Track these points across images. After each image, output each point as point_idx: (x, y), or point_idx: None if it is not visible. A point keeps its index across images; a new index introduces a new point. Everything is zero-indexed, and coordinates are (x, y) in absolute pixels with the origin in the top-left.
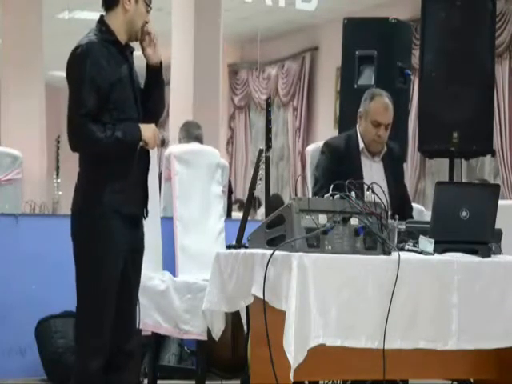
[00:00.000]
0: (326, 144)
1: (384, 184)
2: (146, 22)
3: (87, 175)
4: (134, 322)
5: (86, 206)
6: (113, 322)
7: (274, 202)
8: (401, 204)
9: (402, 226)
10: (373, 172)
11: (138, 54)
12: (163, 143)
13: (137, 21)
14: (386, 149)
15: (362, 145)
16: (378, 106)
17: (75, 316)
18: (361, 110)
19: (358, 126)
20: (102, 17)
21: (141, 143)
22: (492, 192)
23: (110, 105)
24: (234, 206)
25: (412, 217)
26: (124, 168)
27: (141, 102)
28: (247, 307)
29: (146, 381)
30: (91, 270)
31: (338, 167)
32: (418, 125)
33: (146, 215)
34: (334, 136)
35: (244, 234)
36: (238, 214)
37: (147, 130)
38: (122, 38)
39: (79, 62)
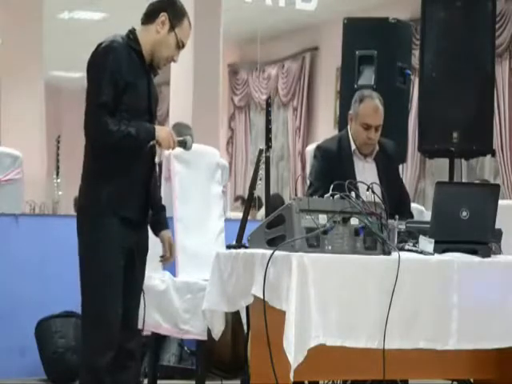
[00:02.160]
0: (318, 147)
1: None
2: (173, 60)
3: (88, 175)
4: (136, 323)
5: (86, 205)
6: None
7: (274, 202)
8: (397, 202)
9: (402, 226)
10: (366, 173)
11: None
12: (185, 145)
13: (162, 48)
14: (377, 148)
15: (353, 146)
16: (368, 108)
17: (80, 314)
18: (351, 112)
19: (348, 127)
20: (133, 28)
21: (153, 142)
22: (492, 192)
23: (122, 105)
24: (237, 203)
25: (411, 213)
26: (125, 169)
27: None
28: (247, 307)
29: (145, 381)
30: (92, 268)
31: (331, 170)
32: (417, 125)
33: (148, 218)
34: (326, 139)
35: (244, 234)
36: (238, 214)
37: (161, 131)
38: (145, 54)
39: (101, 55)
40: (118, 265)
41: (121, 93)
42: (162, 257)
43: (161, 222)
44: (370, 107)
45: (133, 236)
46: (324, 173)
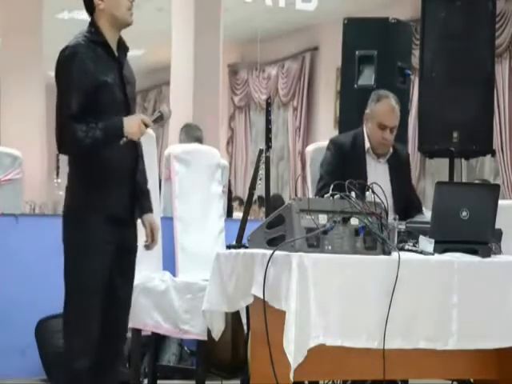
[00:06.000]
0: (332, 141)
1: (388, 186)
2: (131, 1)
3: (74, 176)
4: (123, 322)
5: (73, 207)
6: (101, 322)
7: (274, 203)
8: (407, 206)
9: (402, 226)
10: (377, 173)
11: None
12: (161, 118)
13: (117, 11)
14: (391, 151)
15: (368, 145)
16: (385, 108)
17: (62, 316)
18: (367, 111)
19: (364, 125)
20: (92, 20)
21: (123, 139)
22: (492, 192)
23: (98, 106)
24: (234, 204)
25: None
26: (109, 167)
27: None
28: (247, 307)
29: (145, 381)
30: (79, 270)
31: (343, 165)
32: (418, 125)
33: (135, 215)
34: (340, 134)
35: (244, 234)
36: (238, 214)
37: (129, 125)
38: (111, 35)
39: (66, 64)
40: (103, 268)
41: (93, 96)
42: (145, 242)
43: (143, 206)
44: (387, 108)
45: (118, 234)
46: (336, 167)
